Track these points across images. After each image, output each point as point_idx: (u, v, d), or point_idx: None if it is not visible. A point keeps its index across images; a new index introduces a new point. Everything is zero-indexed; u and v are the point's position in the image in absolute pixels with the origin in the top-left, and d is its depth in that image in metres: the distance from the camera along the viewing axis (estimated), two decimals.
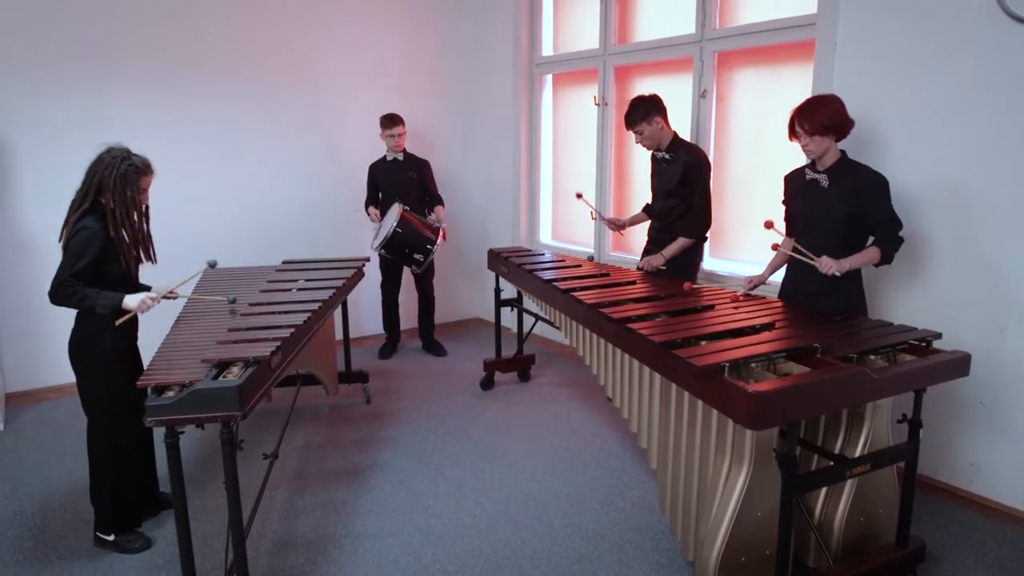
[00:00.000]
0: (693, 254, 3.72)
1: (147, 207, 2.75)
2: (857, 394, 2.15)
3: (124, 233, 2.63)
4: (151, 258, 2.82)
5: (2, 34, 4.01)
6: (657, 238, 3.78)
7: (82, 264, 2.53)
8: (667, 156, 3.64)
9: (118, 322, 2.58)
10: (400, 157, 4.91)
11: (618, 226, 4.05)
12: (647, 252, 3.81)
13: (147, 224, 2.77)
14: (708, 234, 3.73)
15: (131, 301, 2.57)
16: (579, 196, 4.11)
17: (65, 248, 2.58)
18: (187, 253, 4.33)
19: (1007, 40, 2.75)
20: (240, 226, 4.87)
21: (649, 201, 3.93)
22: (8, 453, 3.66)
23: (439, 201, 5.00)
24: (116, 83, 4.33)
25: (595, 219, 3.97)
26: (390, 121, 4.81)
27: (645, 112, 3.53)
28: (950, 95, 2.93)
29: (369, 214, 4.90)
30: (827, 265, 2.68)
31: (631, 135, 3.66)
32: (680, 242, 3.61)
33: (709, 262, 4.15)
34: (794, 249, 2.85)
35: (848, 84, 3.20)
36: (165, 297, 2.74)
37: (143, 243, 2.76)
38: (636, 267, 3.78)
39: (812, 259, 2.73)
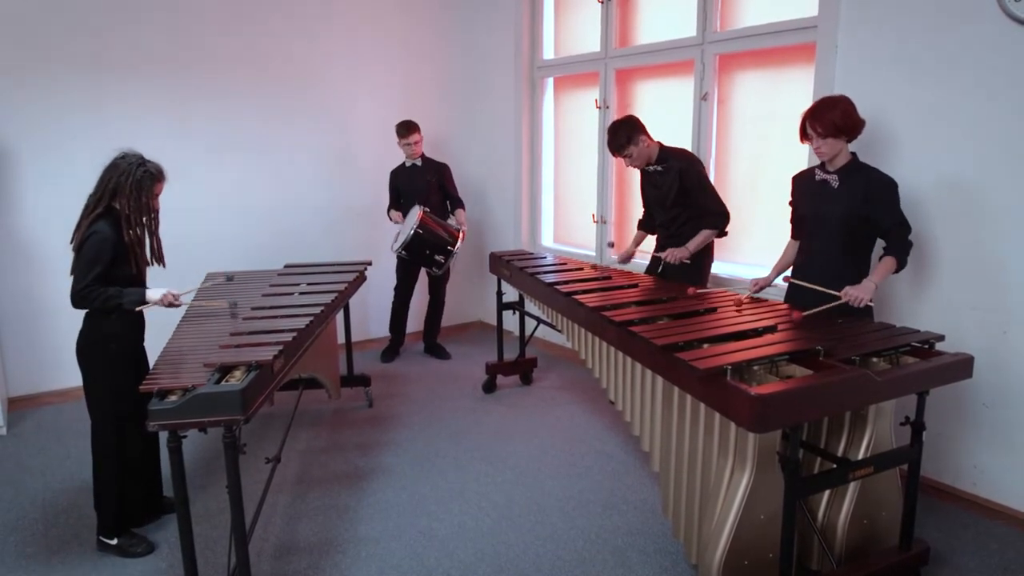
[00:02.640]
0: (706, 256, 3.71)
1: (157, 212, 2.80)
2: (860, 397, 2.15)
3: (136, 237, 2.68)
4: (161, 261, 2.85)
5: (3, 38, 4.03)
6: (667, 245, 3.71)
7: (99, 269, 2.59)
8: (659, 168, 3.64)
9: (138, 308, 2.66)
10: (418, 163, 4.93)
11: (629, 256, 4.00)
12: (657, 261, 3.75)
13: (156, 228, 2.81)
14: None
15: (154, 294, 2.66)
16: (611, 245, 4.23)
17: (78, 251, 2.61)
18: (190, 256, 4.35)
19: (1008, 42, 2.74)
20: (242, 230, 4.87)
21: (641, 217, 3.96)
22: (11, 457, 3.66)
23: (460, 204, 5.02)
24: (118, 87, 4.34)
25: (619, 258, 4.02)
26: (405, 130, 4.83)
27: (629, 135, 3.53)
28: (952, 97, 2.93)
29: (391, 218, 4.94)
30: (856, 298, 2.62)
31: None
32: (704, 234, 3.58)
33: (712, 265, 4.15)
34: (801, 284, 2.82)
35: (850, 86, 3.20)
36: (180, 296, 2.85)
37: (154, 247, 2.80)
38: (663, 260, 3.64)
39: (836, 295, 2.66)
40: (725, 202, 3.63)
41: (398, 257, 4.68)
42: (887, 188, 2.74)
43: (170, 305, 2.72)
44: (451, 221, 4.83)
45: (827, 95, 2.83)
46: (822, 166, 2.86)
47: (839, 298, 2.67)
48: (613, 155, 3.67)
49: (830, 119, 2.69)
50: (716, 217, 3.59)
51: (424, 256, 4.58)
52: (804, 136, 2.80)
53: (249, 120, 4.81)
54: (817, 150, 2.78)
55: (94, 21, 4.23)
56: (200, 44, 4.57)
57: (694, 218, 3.61)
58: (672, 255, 3.60)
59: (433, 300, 5.23)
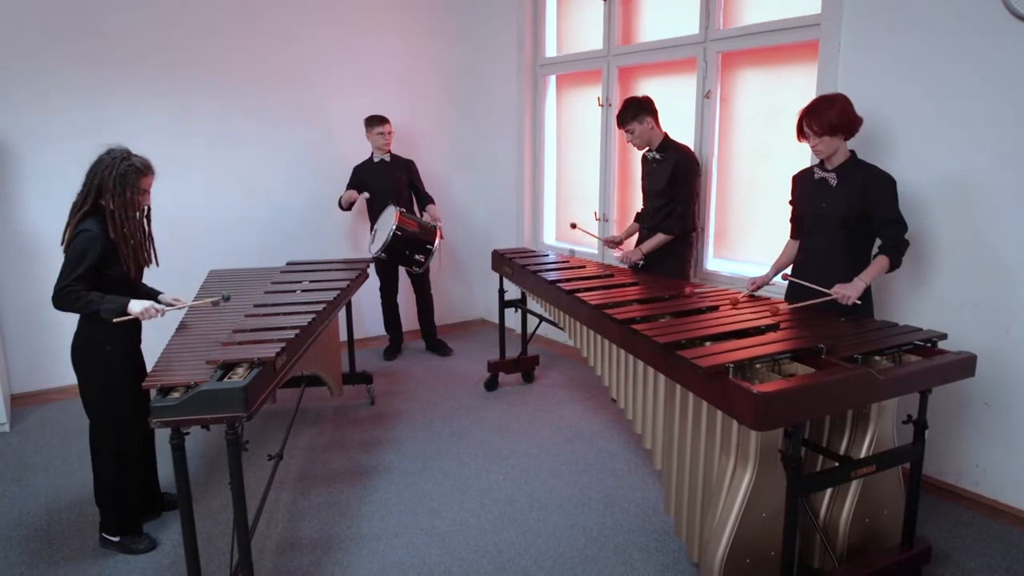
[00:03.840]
0: (684, 253, 3.77)
1: (149, 208, 2.74)
2: (862, 395, 2.14)
3: (124, 235, 2.61)
4: (152, 260, 2.80)
5: (4, 36, 4.03)
6: (646, 237, 3.81)
7: (82, 269, 2.51)
8: (657, 156, 3.72)
9: (116, 320, 2.52)
10: (387, 158, 4.90)
11: (616, 243, 4.11)
12: None
13: (149, 225, 2.76)
14: (693, 234, 3.81)
15: (135, 307, 2.54)
16: (573, 227, 4.19)
17: (66, 251, 2.57)
18: (190, 255, 4.36)
19: (1012, 38, 2.74)
20: (244, 228, 4.88)
21: (640, 208, 4.00)
22: (14, 454, 3.67)
23: (429, 199, 5.00)
24: (118, 85, 4.34)
25: (600, 239, 4.10)
26: (378, 120, 4.80)
27: (636, 112, 3.62)
28: (955, 94, 2.92)
29: (341, 203, 4.80)
30: (845, 297, 2.65)
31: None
32: (658, 238, 3.68)
33: (712, 262, 4.16)
34: (798, 281, 2.85)
35: (852, 84, 3.19)
36: (169, 305, 2.76)
37: (144, 245, 2.74)
38: (619, 262, 3.86)
39: (826, 292, 2.70)
40: (724, 204, 3.66)
41: (374, 259, 4.65)
42: (885, 185, 2.73)
43: (152, 317, 2.58)
44: (426, 218, 4.81)
45: (824, 93, 2.83)
46: (821, 164, 2.86)
47: (829, 295, 2.69)
48: (617, 127, 3.74)
49: (826, 118, 2.68)
50: (676, 220, 3.66)
51: (404, 256, 4.53)
52: (801, 135, 2.79)
53: (252, 119, 4.81)
54: (814, 148, 2.78)
55: (94, 19, 4.23)
56: (202, 42, 4.57)
57: (671, 215, 3.68)
58: (626, 257, 3.75)
59: (420, 297, 5.20)
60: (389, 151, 4.90)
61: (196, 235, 4.65)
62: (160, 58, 4.45)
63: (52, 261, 4.19)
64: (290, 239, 5.04)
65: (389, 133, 4.83)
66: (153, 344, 2.80)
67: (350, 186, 4.90)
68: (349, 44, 5.11)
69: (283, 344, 2.51)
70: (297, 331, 2.69)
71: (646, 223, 3.85)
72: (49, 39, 4.13)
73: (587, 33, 4.89)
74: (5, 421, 3.96)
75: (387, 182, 4.85)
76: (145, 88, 4.42)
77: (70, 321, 2.67)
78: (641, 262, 3.74)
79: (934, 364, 2.28)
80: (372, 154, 4.92)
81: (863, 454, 2.44)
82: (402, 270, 5.09)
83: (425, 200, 5.00)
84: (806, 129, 2.75)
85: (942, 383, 2.35)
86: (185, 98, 4.56)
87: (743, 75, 3.92)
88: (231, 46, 4.67)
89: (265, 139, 4.89)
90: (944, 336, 2.45)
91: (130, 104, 4.39)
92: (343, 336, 4.36)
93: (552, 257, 4.23)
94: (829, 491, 2.51)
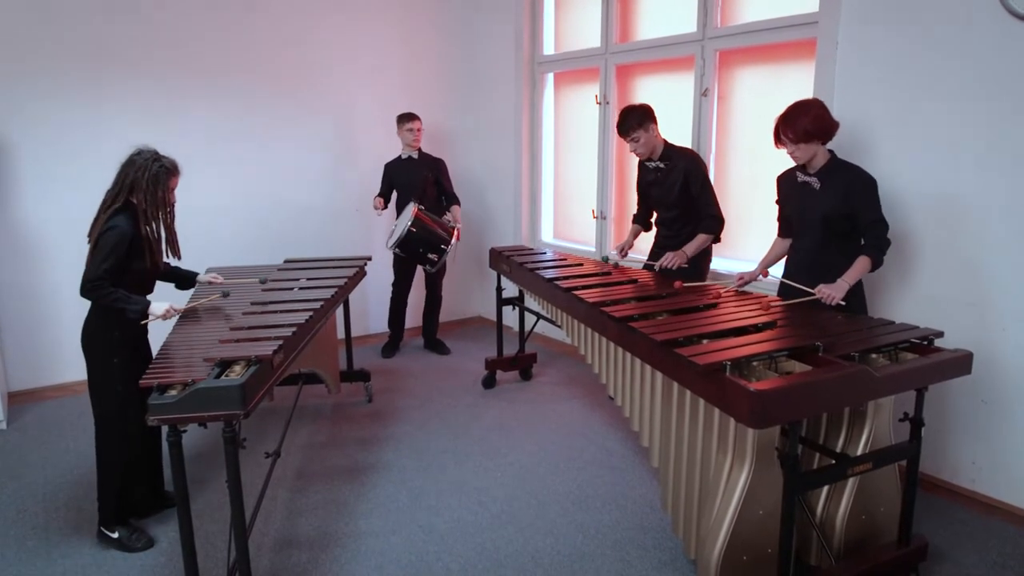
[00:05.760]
0: (703, 257, 3.72)
1: (173, 205, 2.84)
2: (859, 393, 2.15)
3: (153, 230, 2.73)
4: (177, 254, 2.90)
5: (3, 33, 4.02)
6: (667, 244, 3.73)
7: (111, 263, 2.60)
8: (661, 165, 3.64)
9: (143, 322, 2.67)
10: (415, 156, 4.92)
11: (623, 249, 3.96)
12: (655, 256, 3.76)
13: (173, 221, 2.85)
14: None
15: (157, 309, 2.68)
16: (617, 265, 3.94)
17: (95, 244, 2.64)
18: (189, 252, 4.34)
19: (1009, 38, 2.74)
20: (242, 225, 4.87)
21: (636, 211, 3.96)
22: (12, 451, 3.66)
23: (455, 200, 5.01)
24: (116, 82, 4.33)
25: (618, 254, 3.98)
26: (408, 117, 4.85)
27: (641, 120, 3.53)
28: (953, 93, 2.92)
29: (375, 204, 4.92)
30: (829, 297, 2.68)
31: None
32: (701, 238, 3.59)
33: (710, 264, 4.15)
34: (787, 282, 2.90)
35: (850, 82, 3.20)
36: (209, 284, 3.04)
37: (170, 239, 2.84)
38: (657, 268, 3.61)
39: (810, 292, 2.74)
40: (723, 201, 3.64)
41: (394, 254, 4.68)
42: (866, 186, 2.75)
43: (171, 318, 2.74)
44: (447, 217, 4.82)
45: (799, 100, 2.82)
46: (803, 168, 2.87)
47: (813, 295, 2.72)
48: (620, 136, 3.63)
49: (801, 125, 2.70)
50: (713, 221, 3.59)
51: (418, 253, 4.57)
52: (778, 142, 2.81)
53: (249, 115, 4.80)
54: (791, 155, 2.81)
55: (94, 16, 4.22)
56: (201, 39, 4.56)
57: (694, 219, 3.62)
58: (670, 260, 3.56)
59: (430, 296, 5.23)
60: (418, 148, 4.92)
61: (195, 232, 4.61)
62: (160, 56, 4.43)
63: (50, 260, 4.24)
64: (289, 237, 5.03)
65: (419, 130, 4.86)
66: (153, 339, 2.81)
67: (383, 183, 4.96)
68: (346, 42, 5.10)
69: (280, 342, 2.51)
70: (294, 329, 2.68)
71: (666, 231, 3.77)
72: (49, 35, 4.11)
73: (585, 31, 4.89)
74: (2, 419, 3.95)
75: (412, 179, 4.88)
76: (146, 86, 4.41)
77: (68, 319, 2.68)
78: (685, 264, 3.57)
79: (931, 362, 2.29)
80: (401, 151, 4.94)
81: (860, 452, 2.45)
82: (419, 270, 5.09)
83: (451, 200, 5.01)
84: (782, 137, 2.77)
85: (939, 381, 2.36)
86: (185, 96, 4.54)
87: (741, 73, 3.92)
88: (231, 45, 4.66)
89: (264, 137, 4.87)
90: (940, 334, 2.46)
91: (130, 102, 4.37)
92: (341, 333, 4.36)
93: (550, 255, 4.23)
94: (826, 488, 2.51)
